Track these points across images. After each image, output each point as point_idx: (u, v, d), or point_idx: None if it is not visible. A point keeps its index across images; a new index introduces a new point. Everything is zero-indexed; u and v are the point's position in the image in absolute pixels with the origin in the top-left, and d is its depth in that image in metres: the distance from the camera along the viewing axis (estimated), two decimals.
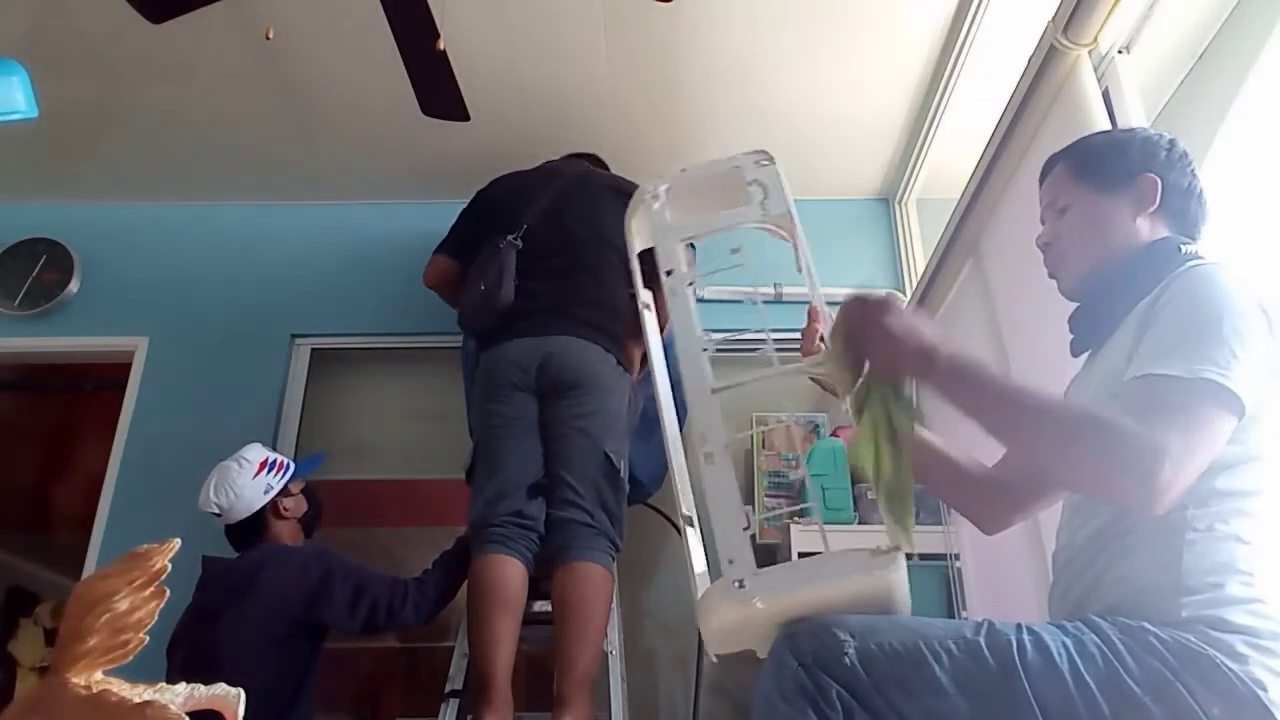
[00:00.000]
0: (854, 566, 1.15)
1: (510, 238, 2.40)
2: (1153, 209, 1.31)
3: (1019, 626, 1.10)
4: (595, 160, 2.84)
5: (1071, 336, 1.38)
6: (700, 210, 1.56)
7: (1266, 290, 1.15)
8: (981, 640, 1.08)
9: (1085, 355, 1.38)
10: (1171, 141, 1.37)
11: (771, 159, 1.55)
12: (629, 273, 1.68)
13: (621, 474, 2.22)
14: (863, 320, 1.20)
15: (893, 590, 1.14)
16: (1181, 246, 1.27)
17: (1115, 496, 1.11)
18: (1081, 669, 1.03)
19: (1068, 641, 1.06)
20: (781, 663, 1.10)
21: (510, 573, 2.09)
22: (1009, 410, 1.14)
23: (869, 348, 1.20)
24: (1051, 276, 1.41)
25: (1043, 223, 1.45)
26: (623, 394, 2.31)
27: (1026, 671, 1.04)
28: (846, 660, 1.07)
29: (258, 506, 2.30)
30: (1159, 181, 1.32)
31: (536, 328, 2.29)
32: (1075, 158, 1.40)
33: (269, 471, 2.34)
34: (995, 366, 1.37)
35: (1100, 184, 1.35)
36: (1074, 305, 1.39)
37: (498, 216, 2.52)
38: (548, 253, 2.40)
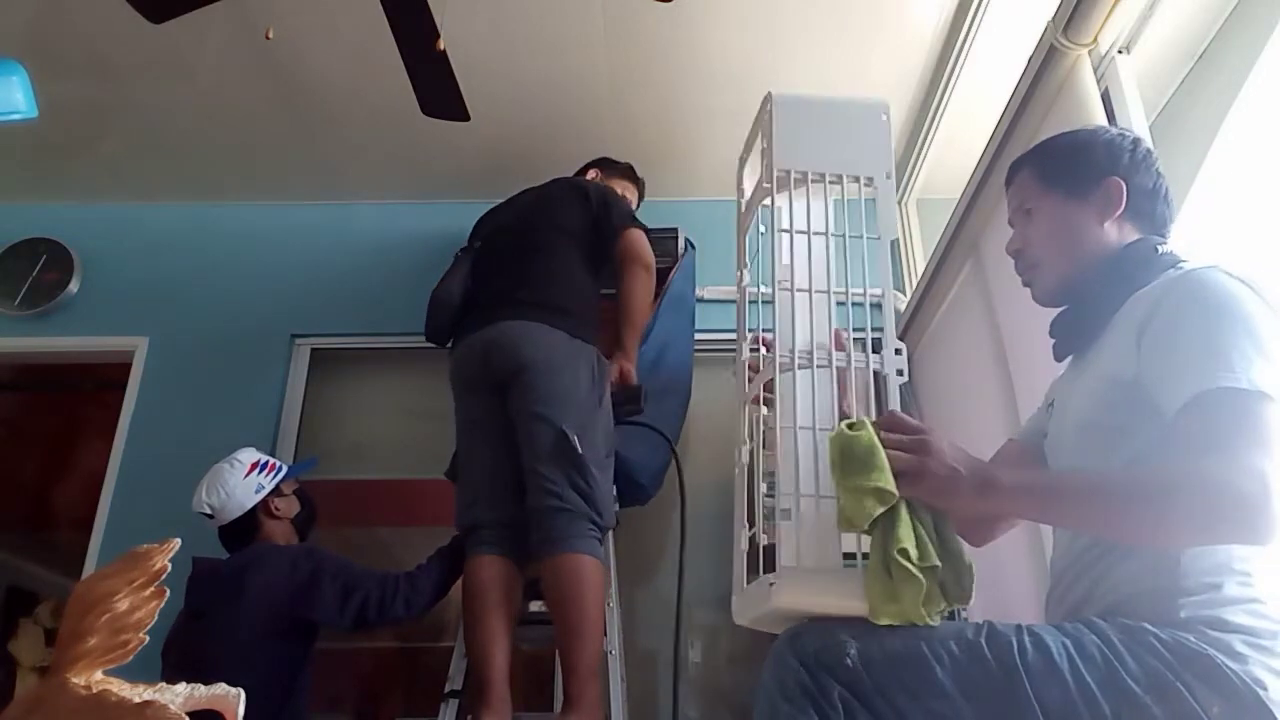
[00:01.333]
0: (760, 598, 1.19)
1: (467, 248, 2.49)
2: (1119, 213, 1.31)
3: (1019, 628, 1.10)
4: (606, 165, 2.81)
5: (1053, 341, 1.38)
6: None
7: (1266, 288, 1.15)
8: (982, 641, 1.08)
9: (1068, 360, 1.38)
10: (1135, 141, 1.37)
11: (770, 99, 1.38)
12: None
13: (582, 450, 2.10)
14: (920, 465, 1.13)
15: (788, 610, 1.16)
16: (1158, 248, 1.28)
17: (1233, 540, 1.05)
18: (1082, 669, 1.03)
19: (1067, 642, 1.06)
20: (783, 662, 1.11)
21: (496, 573, 2.09)
22: (1087, 504, 1.11)
23: (925, 483, 1.13)
24: (1026, 284, 1.40)
25: (1011, 226, 1.44)
26: (576, 368, 2.22)
27: (1027, 672, 1.04)
28: (848, 661, 1.07)
29: (249, 506, 2.30)
30: (1124, 185, 1.31)
31: (480, 321, 2.30)
32: (1040, 162, 1.40)
33: (260, 472, 2.35)
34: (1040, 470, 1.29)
35: (1066, 189, 1.34)
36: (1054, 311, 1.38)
37: (469, 239, 2.61)
38: (497, 252, 2.45)
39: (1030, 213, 1.38)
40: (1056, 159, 1.38)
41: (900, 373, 1.26)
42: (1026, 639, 1.07)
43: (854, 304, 1.30)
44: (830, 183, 1.35)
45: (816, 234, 1.34)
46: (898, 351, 1.27)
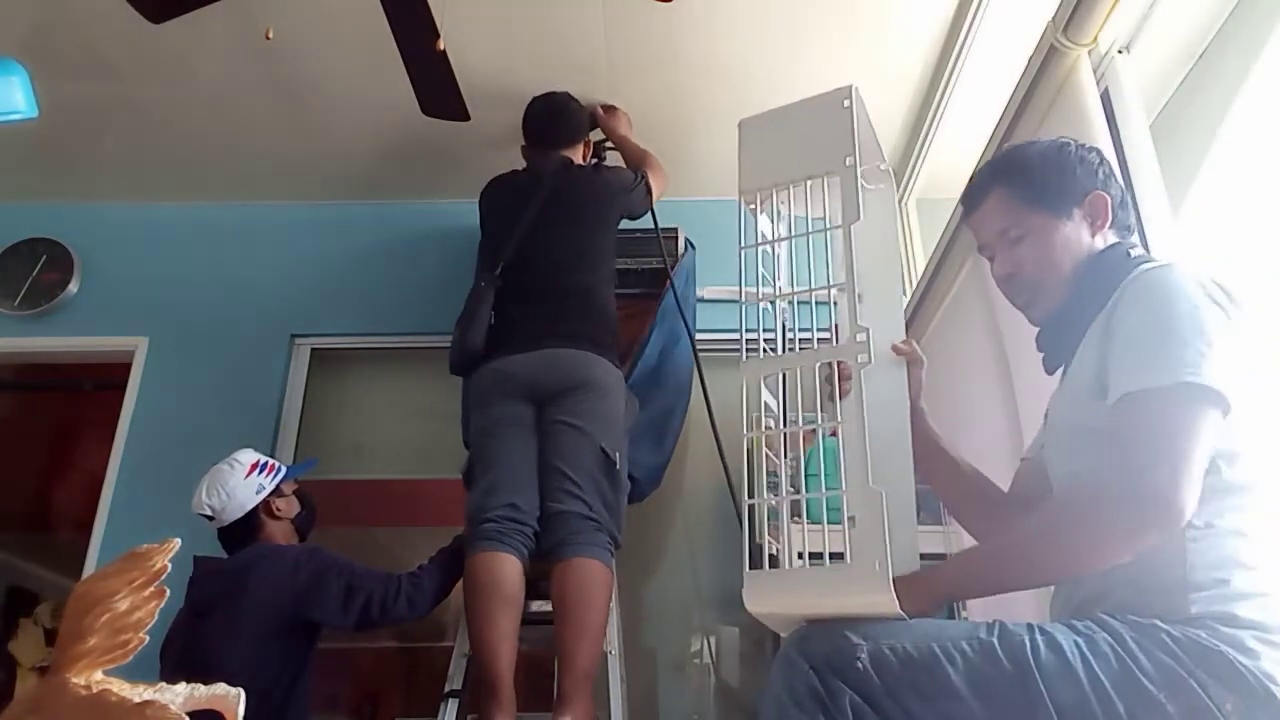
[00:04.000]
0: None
1: (487, 279, 2.40)
2: (1106, 225, 1.33)
3: (1030, 627, 1.10)
4: (564, 118, 2.71)
5: (1042, 355, 1.38)
6: None
7: (1219, 281, 1.17)
8: (995, 641, 1.08)
9: (1060, 371, 1.38)
10: (1099, 153, 1.39)
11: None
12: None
13: (619, 469, 2.22)
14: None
15: (768, 614, 1.25)
16: (1130, 251, 1.30)
17: (1145, 545, 1.07)
18: (1096, 668, 1.03)
19: (1080, 640, 1.06)
20: (793, 665, 1.10)
21: (507, 569, 2.08)
22: (1012, 568, 1.18)
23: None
24: (1025, 307, 1.39)
25: (984, 251, 1.43)
26: (619, 395, 2.32)
27: (1041, 672, 1.04)
28: (859, 664, 1.07)
29: (250, 507, 2.30)
30: (1109, 200, 1.33)
31: (525, 347, 2.29)
32: (1016, 182, 1.37)
33: (260, 472, 2.34)
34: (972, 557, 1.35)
35: (1052, 208, 1.33)
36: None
37: (483, 248, 2.55)
38: (529, 280, 2.40)
39: (1020, 237, 1.35)
40: (1035, 178, 1.36)
41: (863, 364, 1.27)
42: (1039, 638, 1.07)
43: (818, 302, 1.36)
44: (794, 188, 1.40)
45: (763, 244, 1.41)
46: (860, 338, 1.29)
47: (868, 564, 1.14)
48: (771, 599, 1.23)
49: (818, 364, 1.33)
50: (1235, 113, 1.83)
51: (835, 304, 1.37)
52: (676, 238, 2.88)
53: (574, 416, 2.22)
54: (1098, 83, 1.77)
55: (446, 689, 2.18)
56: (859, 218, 1.31)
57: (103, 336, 3.15)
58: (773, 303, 1.39)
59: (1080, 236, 1.33)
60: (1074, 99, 1.78)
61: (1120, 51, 1.80)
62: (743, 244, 1.41)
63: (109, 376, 3.16)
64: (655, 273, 2.80)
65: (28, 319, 3.14)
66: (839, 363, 1.34)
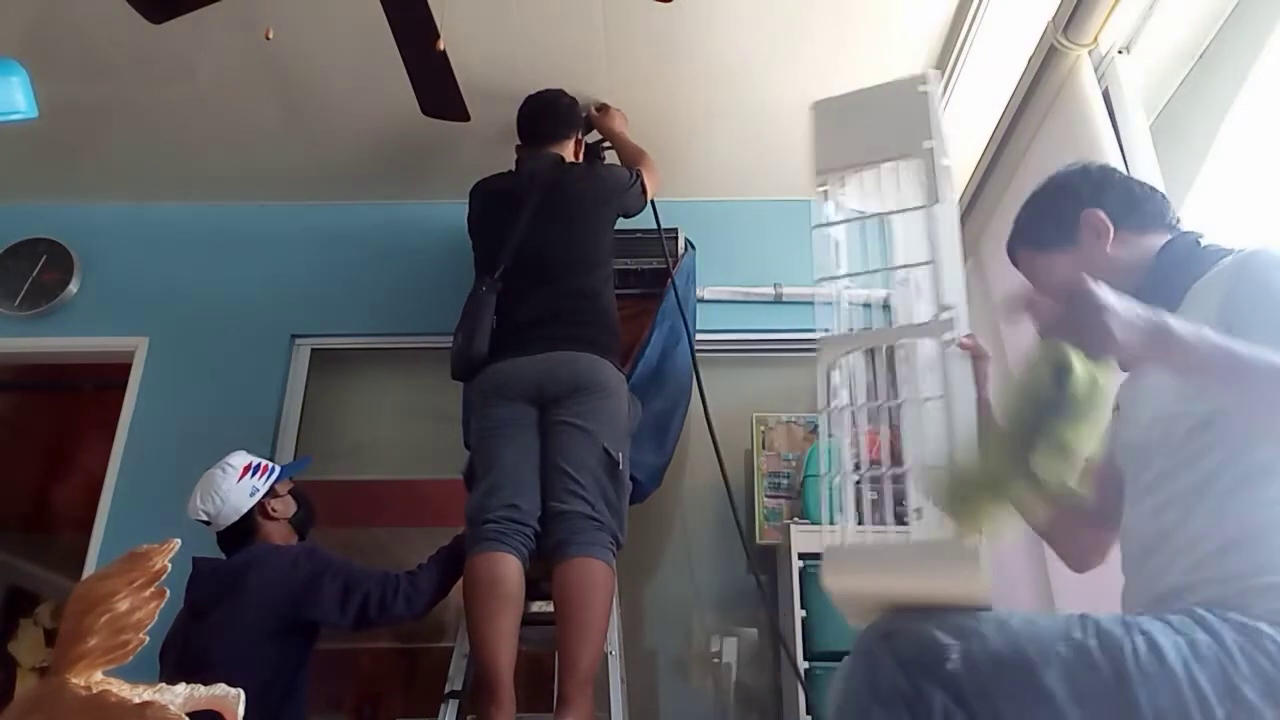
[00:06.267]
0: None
1: (488, 283, 2.39)
2: (1112, 235, 1.31)
3: (1127, 625, 1.06)
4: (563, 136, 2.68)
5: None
6: None
7: None
8: (1091, 643, 1.05)
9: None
10: (1084, 168, 1.39)
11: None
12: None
13: (622, 468, 2.22)
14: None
15: (851, 595, 1.19)
16: (1199, 240, 1.27)
17: None
18: (1196, 673, 1.00)
19: (1180, 642, 1.03)
20: (878, 664, 1.08)
21: (507, 570, 2.08)
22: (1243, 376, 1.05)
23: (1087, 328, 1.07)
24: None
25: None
26: (622, 397, 2.33)
27: (1142, 676, 1.01)
28: (950, 666, 1.04)
29: (245, 509, 2.30)
30: (1102, 213, 1.32)
31: (529, 349, 2.29)
32: (1026, 237, 1.41)
33: (253, 474, 2.34)
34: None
35: (1058, 244, 1.34)
36: None
37: (479, 252, 2.54)
38: (529, 283, 2.40)
39: (1034, 279, 1.38)
40: (1034, 223, 1.39)
41: (949, 341, 1.21)
42: (1140, 640, 1.03)
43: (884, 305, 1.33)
44: (866, 170, 1.36)
45: (834, 224, 1.36)
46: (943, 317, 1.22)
47: (964, 542, 1.10)
48: (853, 576, 1.18)
49: (899, 343, 1.27)
50: (1235, 113, 1.83)
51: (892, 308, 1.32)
52: (677, 238, 2.88)
53: (578, 417, 2.22)
54: (1098, 83, 1.77)
55: (447, 689, 2.18)
56: (940, 200, 1.28)
57: (103, 336, 3.15)
58: (847, 285, 1.34)
59: (1098, 258, 1.31)
60: (1074, 99, 1.78)
61: (1120, 51, 1.80)
62: (814, 224, 1.38)
63: (109, 376, 3.16)
64: (655, 273, 2.80)
65: (28, 319, 3.14)
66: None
